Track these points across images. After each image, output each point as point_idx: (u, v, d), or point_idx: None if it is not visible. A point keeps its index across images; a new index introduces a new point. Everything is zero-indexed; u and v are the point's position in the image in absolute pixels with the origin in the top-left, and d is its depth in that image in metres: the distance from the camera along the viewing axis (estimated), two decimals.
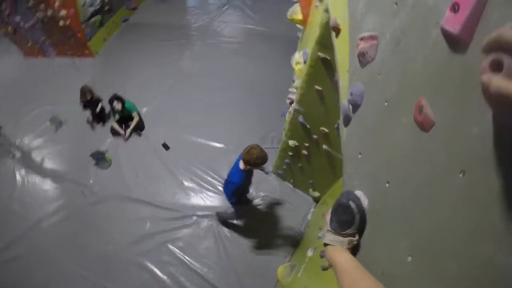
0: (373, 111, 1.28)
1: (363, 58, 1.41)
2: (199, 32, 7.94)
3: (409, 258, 0.88)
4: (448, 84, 0.80)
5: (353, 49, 1.62)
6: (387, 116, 1.15)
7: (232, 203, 3.82)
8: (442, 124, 0.80)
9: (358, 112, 1.47)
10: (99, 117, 5.75)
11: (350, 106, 1.53)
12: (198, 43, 7.61)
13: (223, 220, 4.51)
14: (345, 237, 1.20)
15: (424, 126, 0.86)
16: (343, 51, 1.90)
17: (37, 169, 5.39)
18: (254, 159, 3.30)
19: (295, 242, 4.36)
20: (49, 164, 5.46)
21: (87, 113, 5.66)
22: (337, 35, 2.07)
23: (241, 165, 3.45)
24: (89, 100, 5.55)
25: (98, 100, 5.66)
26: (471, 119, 0.70)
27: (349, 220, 1.19)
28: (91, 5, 6.81)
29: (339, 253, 1.16)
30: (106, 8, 7.39)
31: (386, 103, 1.17)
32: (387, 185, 1.07)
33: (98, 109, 5.61)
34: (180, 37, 7.79)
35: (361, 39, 1.40)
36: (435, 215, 0.80)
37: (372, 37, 1.33)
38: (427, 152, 0.85)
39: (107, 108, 5.67)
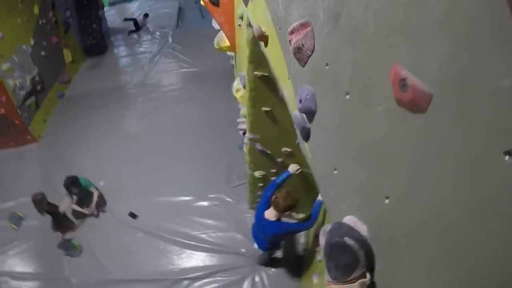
0: (335, 112, 1.00)
1: (300, 54, 1.14)
2: (137, 89, 7.70)
3: None
4: (428, 24, 0.52)
5: (287, 50, 1.36)
6: (355, 112, 0.86)
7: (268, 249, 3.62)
8: (447, 91, 0.52)
9: (316, 119, 1.18)
10: (62, 224, 5.14)
11: (304, 116, 1.24)
12: (139, 100, 7.34)
13: (265, 263, 4.13)
14: (353, 282, 0.87)
15: (417, 105, 0.58)
16: (277, 59, 1.65)
17: (6, 276, 4.72)
18: (296, 199, 2.99)
19: (297, 270, 4.03)
20: (18, 267, 4.83)
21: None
22: (266, 44, 1.83)
23: (276, 215, 3.07)
24: (50, 206, 4.97)
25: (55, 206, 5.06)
26: (497, 65, 0.42)
27: (352, 262, 0.87)
28: (22, 88, 6.31)
29: None
30: (38, 87, 6.87)
31: (347, 96, 0.88)
32: (386, 201, 0.77)
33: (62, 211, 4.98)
34: (120, 99, 7.47)
35: (292, 32, 1.14)
36: (483, 225, 0.50)
37: (303, 25, 1.07)
38: (433, 141, 0.56)
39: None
